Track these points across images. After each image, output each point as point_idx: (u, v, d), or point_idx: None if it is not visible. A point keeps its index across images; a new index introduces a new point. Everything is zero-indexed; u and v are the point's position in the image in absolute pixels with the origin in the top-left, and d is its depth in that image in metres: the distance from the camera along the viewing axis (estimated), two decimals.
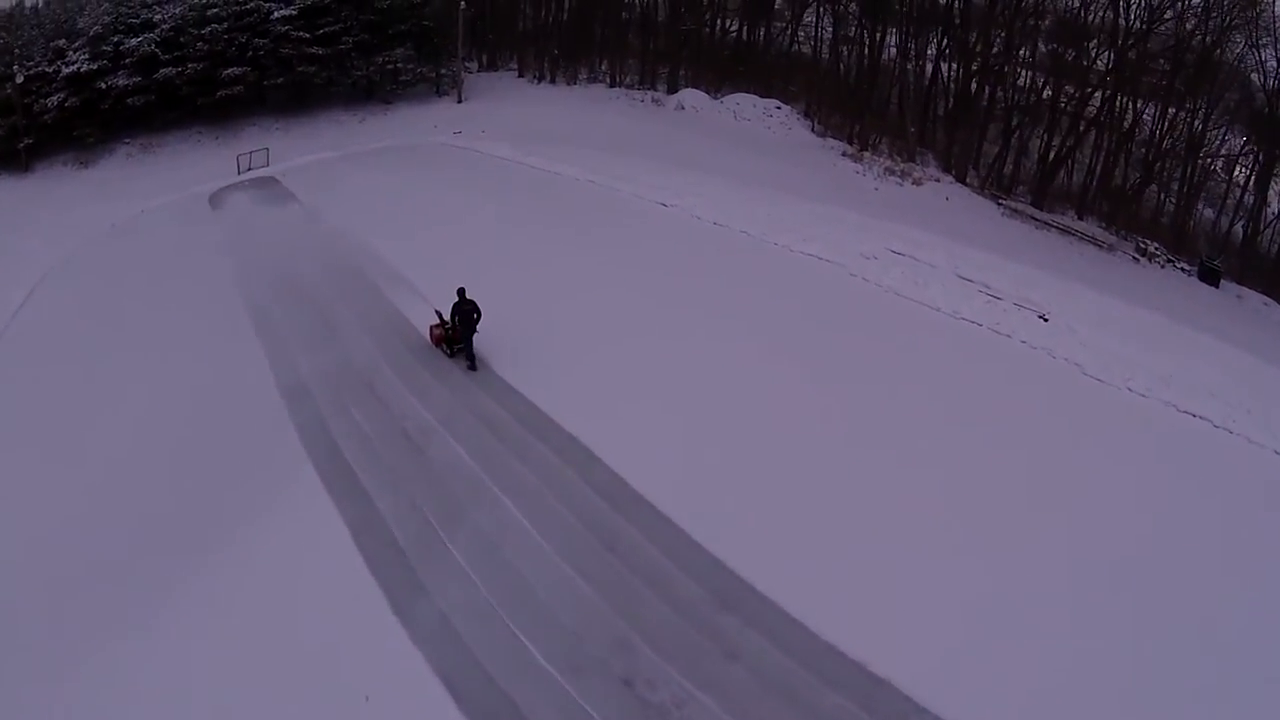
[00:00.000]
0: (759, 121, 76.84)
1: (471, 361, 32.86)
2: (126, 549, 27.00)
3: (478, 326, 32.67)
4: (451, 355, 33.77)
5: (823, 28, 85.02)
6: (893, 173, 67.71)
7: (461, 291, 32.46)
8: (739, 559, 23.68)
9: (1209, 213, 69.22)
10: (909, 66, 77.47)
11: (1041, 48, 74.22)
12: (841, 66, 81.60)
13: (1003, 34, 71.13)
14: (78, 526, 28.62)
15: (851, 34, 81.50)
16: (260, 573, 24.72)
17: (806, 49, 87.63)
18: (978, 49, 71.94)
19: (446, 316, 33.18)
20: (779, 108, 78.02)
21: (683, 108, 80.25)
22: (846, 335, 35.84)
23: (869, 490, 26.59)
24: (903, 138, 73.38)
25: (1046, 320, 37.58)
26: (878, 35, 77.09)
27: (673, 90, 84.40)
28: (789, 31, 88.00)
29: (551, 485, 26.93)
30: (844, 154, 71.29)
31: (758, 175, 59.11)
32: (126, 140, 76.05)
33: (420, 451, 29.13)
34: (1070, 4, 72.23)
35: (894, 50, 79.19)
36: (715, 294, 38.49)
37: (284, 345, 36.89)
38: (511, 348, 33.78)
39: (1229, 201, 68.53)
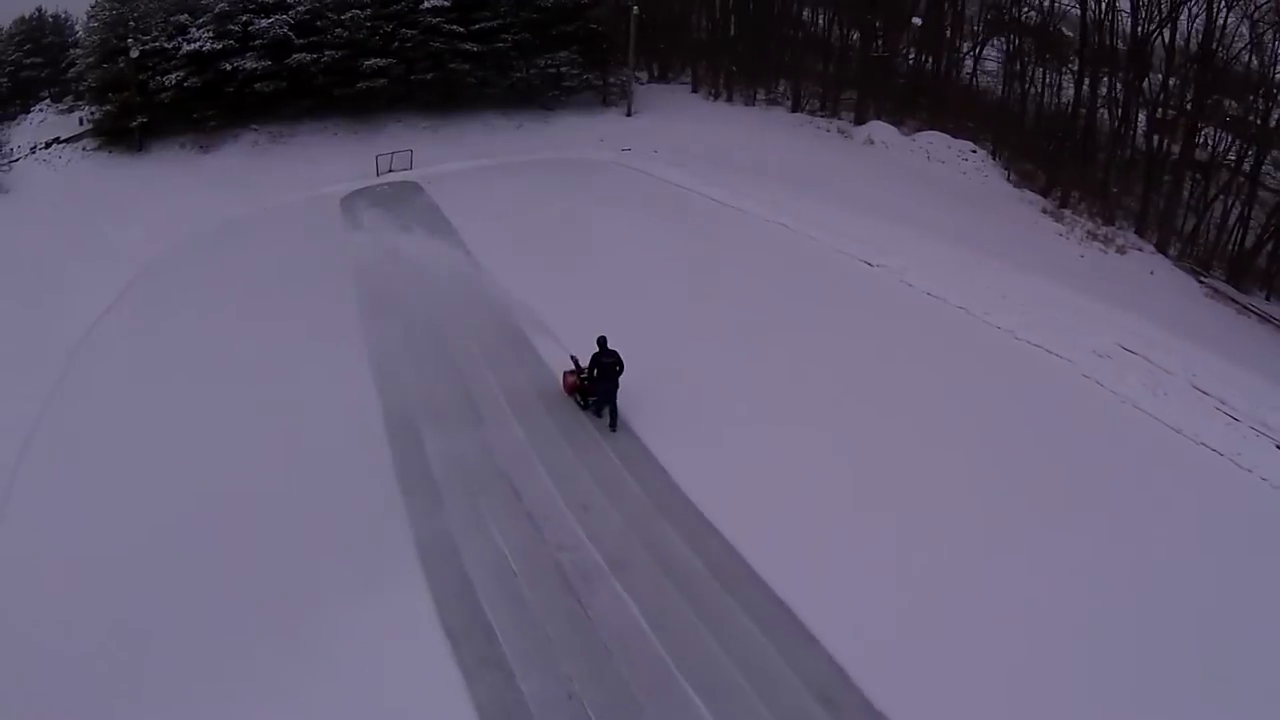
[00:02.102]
0: (953, 165, 70.15)
1: (613, 421, 29.31)
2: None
3: (620, 382, 29.09)
4: (585, 408, 30.34)
5: (1007, 63, 78.42)
6: (1095, 237, 61.09)
7: (602, 341, 29.10)
8: None
9: None
10: (1097, 114, 70.53)
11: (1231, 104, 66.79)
12: (1027, 107, 75.42)
13: (1185, 82, 64.81)
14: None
15: (1028, 73, 75.30)
16: None
17: (984, 82, 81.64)
18: (1163, 98, 65.52)
19: (584, 363, 29.75)
20: (974, 151, 71.36)
21: (872, 142, 73.44)
22: (1098, 467, 28.95)
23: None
24: (1097, 194, 66.37)
25: None
26: (1084, 80, 69.95)
27: (860, 121, 77.61)
28: (973, 64, 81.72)
29: (756, 680, 20.19)
30: (1043, 210, 64.60)
31: (963, 232, 52.35)
32: (254, 127, 71.58)
33: (582, 606, 22.34)
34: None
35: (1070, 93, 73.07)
36: (936, 393, 32.26)
37: (411, 414, 30.54)
38: (689, 434, 28.95)
39: None
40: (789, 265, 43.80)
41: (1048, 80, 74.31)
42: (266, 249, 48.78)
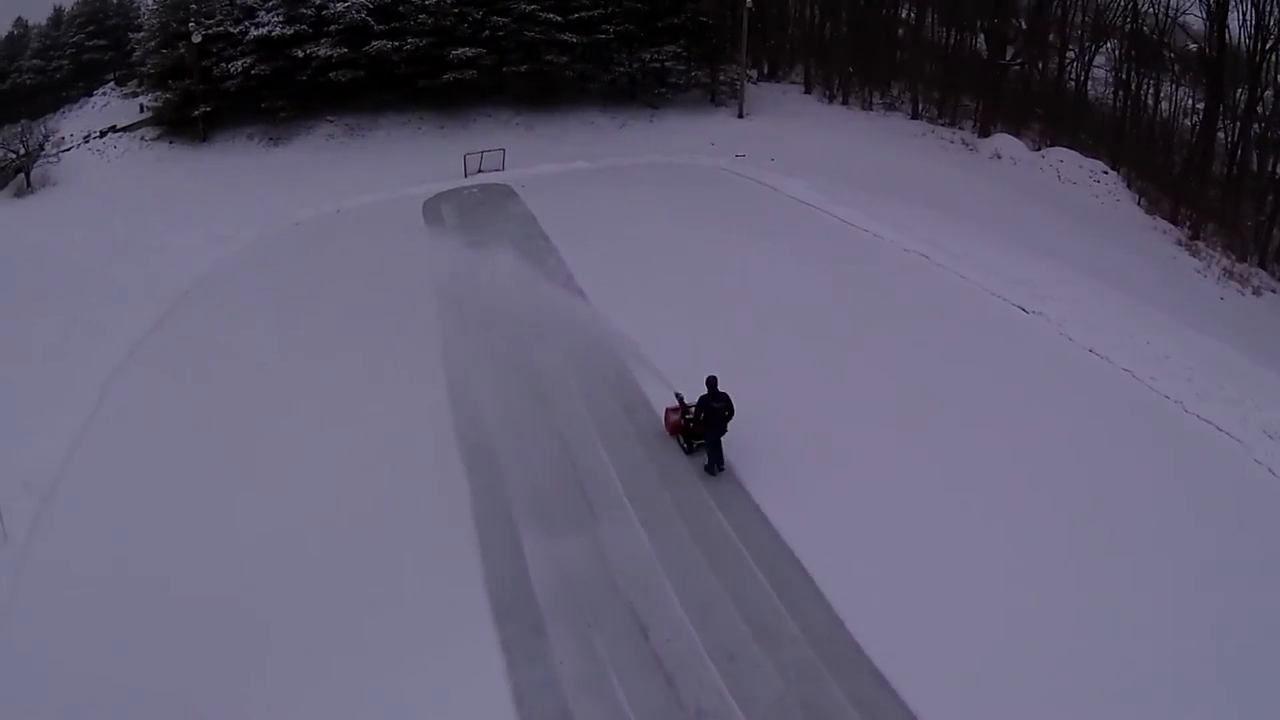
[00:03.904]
0: (1085, 187, 66.03)
1: (718, 465, 26.52)
2: None
3: (728, 426, 26.37)
4: (689, 452, 27.60)
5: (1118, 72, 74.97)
6: (1231, 275, 56.81)
7: (712, 383, 26.40)
8: None
9: None
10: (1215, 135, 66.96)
11: None
12: (1141, 119, 72.34)
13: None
14: None
15: (1142, 85, 71.93)
16: None
17: (1093, 92, 78.63)
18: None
19: (689, 401, 27.39)
20: (1105, 173, 67.39)
21: (999, 157, 69.36)
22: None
23: None
24: (1228, 224, 62.51)
25: None
26: (1215, 99, 65.61)
27: (985, 133, 73.24)
28: (1082, 73, 77.69)
29: None
30: (1178, 242, 60.57)
31: (1112, 270, 46.70)
32: (329, 119, 68.49)
33: None
34: None
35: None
36: (1118, 484, 26.53)
37: (506, 501, 25.42)
38: (841, 530, 23.91)
39: None
40: (936, 308, 38.40)
41: (1163, 93, 71.60)
42: (338, 264, 44.22)
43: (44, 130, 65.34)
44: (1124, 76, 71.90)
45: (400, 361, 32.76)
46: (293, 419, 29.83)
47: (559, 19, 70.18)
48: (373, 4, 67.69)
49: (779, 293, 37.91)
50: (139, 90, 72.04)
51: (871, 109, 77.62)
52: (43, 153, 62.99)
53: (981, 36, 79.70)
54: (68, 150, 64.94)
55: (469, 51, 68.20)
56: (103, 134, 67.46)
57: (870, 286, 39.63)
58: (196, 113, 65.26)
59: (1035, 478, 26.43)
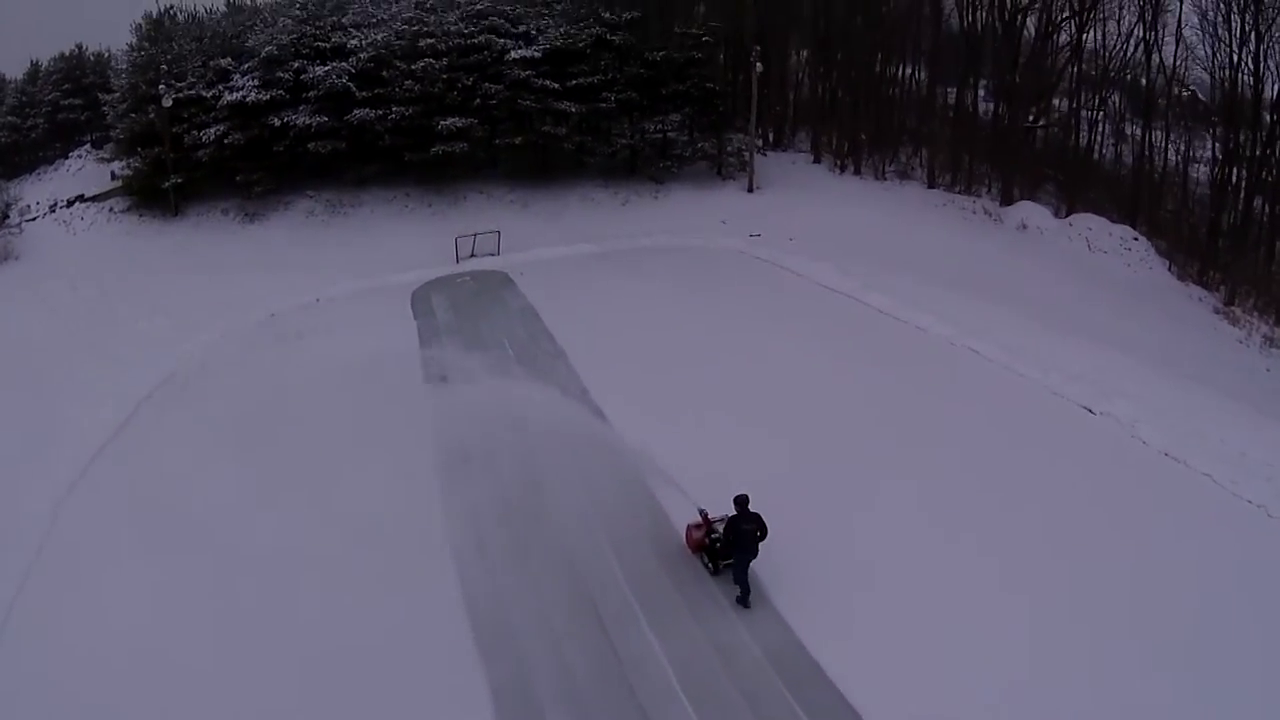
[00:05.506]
0: (1116, 256, 63.54)
1: (744, 594, 24.65)
2: None
3: (759, 549, 24.76)
4: (715, 573, 26.03)
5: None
6: (1272, 342, 54.41)
7: (742, 503, 24.77)
8: None
9: None
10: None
11: None
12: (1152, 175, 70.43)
13: None
14: None
15: (1143, 135, 69.91)
16: None
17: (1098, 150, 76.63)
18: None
19: (712, 515, 26.05)
20: (1136, 239, 64.75)
21: (1025, 227, 66.80)
22: None
23: None
24: (1259, 285, 59.84)
25: None
26: (1231, 159, 63.67)
27: (1007, 201, 70.54)
28: (1089, 131, 75.24)
29: None
30: (1215, 310, 58.17)
31: (1163, 350, 44.96)
32: (309, 194, 65.13)
33: None
34: None
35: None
36: (1214, 616, 24.08)
37: (538, 705, 21.19)
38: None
39: None
40: (998, 415, 35.34)
41: (1175, 148, 70.10)
42: (316, 370, 39.31)
43: (6, 198, 62.53)
44: (1140, 133, 70.46)
45: (390, 516, 28.00)
46: (265, 583, 25.65)
47: (556, 86, 66.88)
48: (355, 69, 64.51)
49: (816, 398, 35.84)
50: (112, 156, 68.89)
51: (885, 178, 75.16)
52: (5, 222, 59.93)
53: (982, 95, 78.80)
54: (32, 220, 62.18)
55: (459, 121, 64.97)
56: (70, 203, 64.71)
57: (920, 390, 37.00)
58: (167, 184, 62.13)
59: (1135, 612, 24.28)
